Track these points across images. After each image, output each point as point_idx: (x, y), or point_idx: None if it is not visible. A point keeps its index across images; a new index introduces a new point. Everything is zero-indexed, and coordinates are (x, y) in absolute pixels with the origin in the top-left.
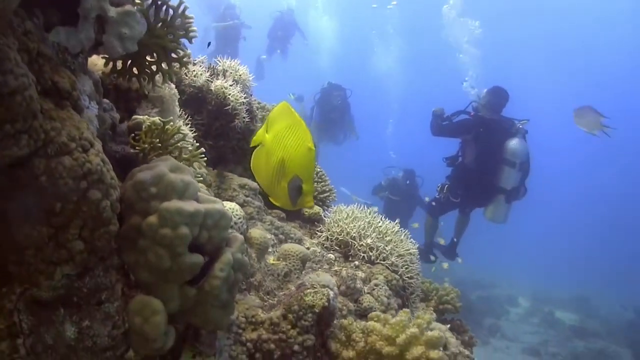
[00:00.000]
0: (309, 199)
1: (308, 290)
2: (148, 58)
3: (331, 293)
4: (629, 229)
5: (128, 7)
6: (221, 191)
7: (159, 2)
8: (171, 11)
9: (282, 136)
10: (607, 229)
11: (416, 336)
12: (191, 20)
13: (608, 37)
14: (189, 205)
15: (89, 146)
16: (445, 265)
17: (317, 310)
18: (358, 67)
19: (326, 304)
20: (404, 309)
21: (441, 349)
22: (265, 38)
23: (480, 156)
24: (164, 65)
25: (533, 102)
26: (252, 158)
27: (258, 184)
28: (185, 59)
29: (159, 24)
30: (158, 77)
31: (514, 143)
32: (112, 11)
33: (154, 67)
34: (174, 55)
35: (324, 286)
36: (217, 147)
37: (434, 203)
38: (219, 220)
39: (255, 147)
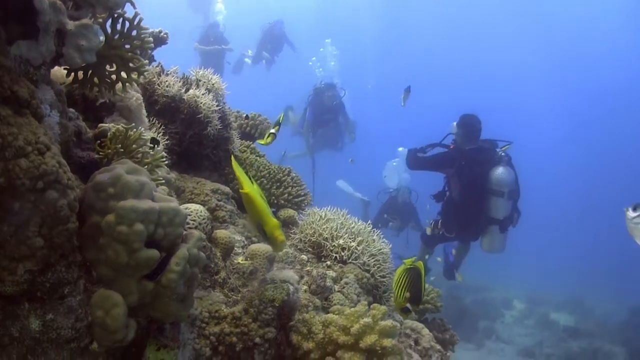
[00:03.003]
0: (277, 234)
1: (268, 286)
2: (108, 68)
3: (291, 288)
4: (621, 230)
5: (85, 20)
6: (194, 196)
7: (115, 15)
8: (127, 23)
9: None
10: (600, 230)
11: (370, 325)
12: (147, 31)
13: (601, 38)
14: (144, 204)
15: (45, 149)
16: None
17: (277, 304)
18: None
19: (286, 297)
20: (362, 302)
21: (395, 341)
22: (250, 47)
23: (466, 189)
24: (123, 74)
25: (527, 105)
26: None
27: None
28: (142, 68)
29: (116, 36)
30: (118, 86)
31: (498, 172)
32: (70, 24)
33: (113, 77)
34: (131, 64)
35: (284, 281)
36: (192, 154)
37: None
38: (173, 218)
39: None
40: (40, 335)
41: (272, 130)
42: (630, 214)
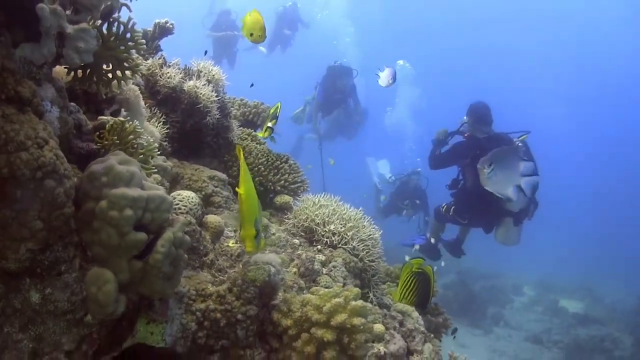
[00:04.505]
0: (247, 244)
1: (251, 267)
2: (104, 67)
3: (272, 269)
4: (633, 219)
5: (83, 24)
6: (192, 182)
7: (111, 19)
8: (122, 27)
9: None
10: (611, 218)
11: (341, 305)
12: (139, 33)
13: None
14: (133, 191)
15: (43, 143)
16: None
17: (258, 284)
18: None
19: (267, 278)
20: (337, 284)
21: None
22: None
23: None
24: (118, 72)
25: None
26: None
27: None
28: (136, 67)
29: (112, 38)
30: (114, 83)
31: None
32: (70, 28)
33: (110, 75)
34: (126, 64)
35: (266, 263)
36: (192, 142)
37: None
38: (160, 204)
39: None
40: (40, 307)
41: (269, 124)
42: (486, 170)
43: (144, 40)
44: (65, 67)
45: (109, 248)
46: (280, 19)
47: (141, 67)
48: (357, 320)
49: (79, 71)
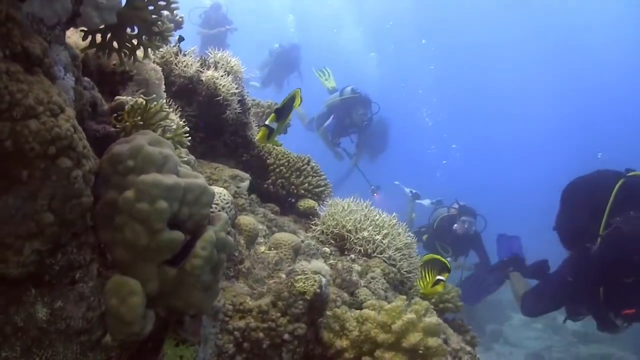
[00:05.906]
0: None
1: (299, 277)
2: (128, 31)
3: (323, 280)
4: None
5: None
6: (211, 182)
7: None
8: None
9: None
10: None
11: (413, 322)
12: None
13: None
14: (168, 179)
15: (58, 111)
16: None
17: (308, 297)
18: None
19: (318, 290)
20: (399, 296)
21: (441, 341)
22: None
23: None
24: (144, 38)
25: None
26: None
27: None
28: (166, 33)
29: None
30: (139, 52)
31: None
32: None
33: (134, 41)
34: (155, 28)
35: (315, 272)
36: (209, 139)
37: None
38: (200, 196)
39: None
40: (48, 325)
41: (268, 122)
42: None
43: (177, 0)
44: (81, 30)
45: (135, 250)
46: (279, 59)
47: (172, 33)
48: (432, 341)
49: (97, 36)
